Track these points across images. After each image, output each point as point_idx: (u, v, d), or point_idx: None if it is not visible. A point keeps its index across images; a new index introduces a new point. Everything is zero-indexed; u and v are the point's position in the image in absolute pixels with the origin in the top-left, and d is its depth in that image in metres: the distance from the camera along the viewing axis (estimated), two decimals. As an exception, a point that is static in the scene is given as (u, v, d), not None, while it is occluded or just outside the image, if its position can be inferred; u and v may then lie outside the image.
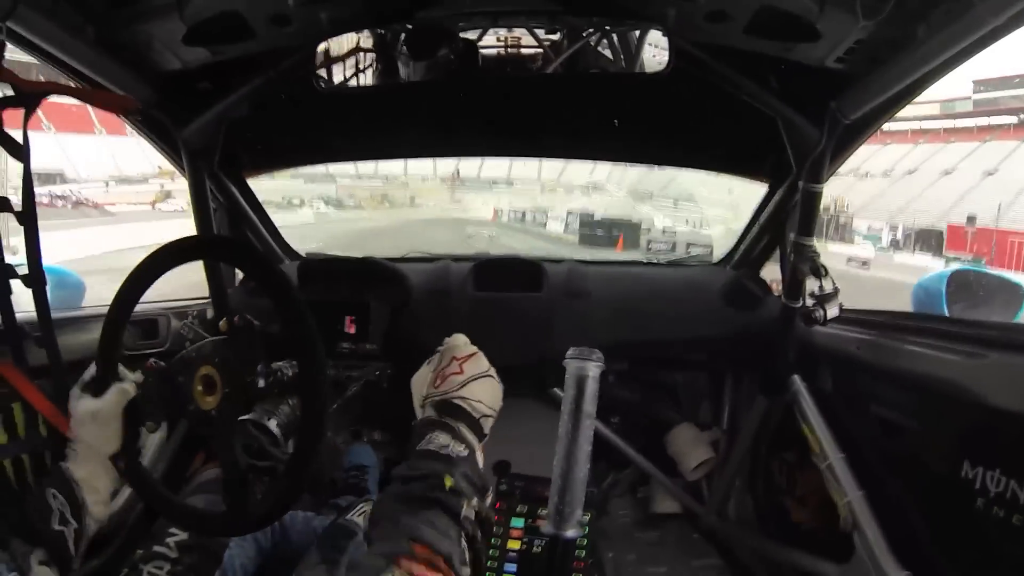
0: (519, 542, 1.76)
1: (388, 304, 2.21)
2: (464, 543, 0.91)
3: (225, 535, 1.34)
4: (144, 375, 1.17)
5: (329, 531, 1.46)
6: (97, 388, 1.13)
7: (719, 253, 2.61)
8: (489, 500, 1.02)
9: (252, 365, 1.09)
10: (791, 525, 2.08)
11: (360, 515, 1.50)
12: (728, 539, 2.31)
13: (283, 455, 1.13)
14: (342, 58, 1.58)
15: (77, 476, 1.06)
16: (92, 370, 1.16)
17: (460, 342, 1.18)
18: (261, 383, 1.10)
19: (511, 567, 1.76)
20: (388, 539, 0.85)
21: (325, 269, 2.50)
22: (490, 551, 1.75)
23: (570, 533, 1.47)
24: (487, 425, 1.10)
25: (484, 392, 1.10)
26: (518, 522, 1.78)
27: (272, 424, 1.19)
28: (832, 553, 1.70)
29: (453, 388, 1.08)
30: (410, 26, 1.53)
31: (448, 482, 0.94)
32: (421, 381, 1.14)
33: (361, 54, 1.59)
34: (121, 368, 1.17)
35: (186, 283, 1.96)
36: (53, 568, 0.98)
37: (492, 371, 1.14)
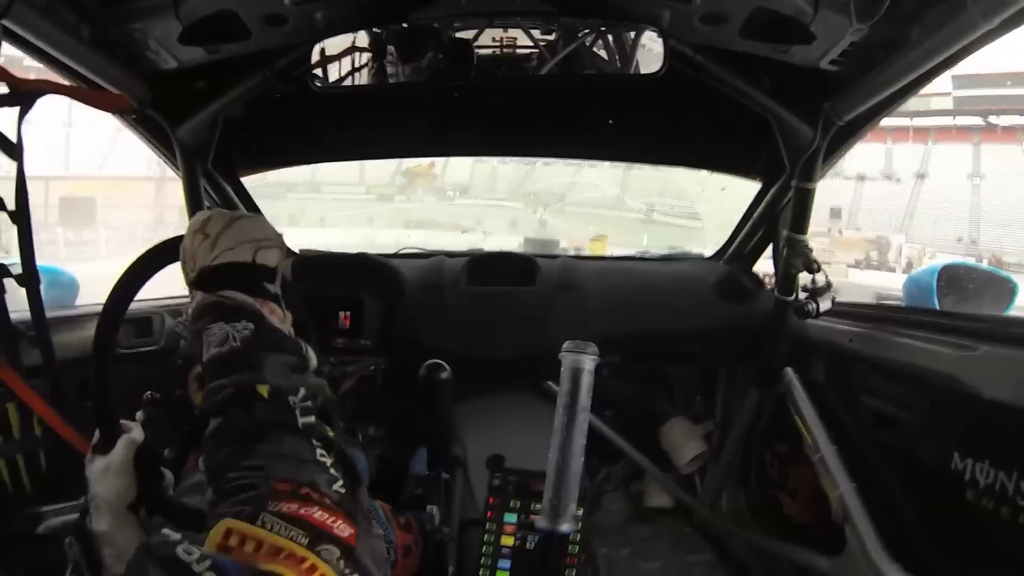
0: (512, 538, 1.76)
1: (382, 299, 2.21)
2: (323, 454, 0.76)
3: None
4: (144, 412, 1.13)
5: None
6: (105, 447, 1.07)
7: (712, 248, 2.62)
8: (316, 379, 0.86)
9: None
10: (784, 518, 2.10)
11: None
12: (721, 533, 2.33)
13: None
14: (337, 58, 1.58)
15: (98, 530, 1.01)
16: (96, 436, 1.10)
17: (195, 219, 1.00)
18: None
19: (505, 563, 1.75)
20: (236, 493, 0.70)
21: (319, 265, 2.50)
22: (483, 548, 1.75)
23: (565, 528, 1.48)
24: (263, 256, 0.95)
25: (234, 236, 0.95)
26: (511, 517, 1.77)
27: None
28: (824, 546, 1.71)
29: (208, 258, 0.93)
30: (405, 26, 1.53)
31: (261, 389, 0.78)
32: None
33: (356, 54, 1.59)
34: (124, 422, 1.11)
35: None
36: None
37: (235, 214, 0.99)
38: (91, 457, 1.08)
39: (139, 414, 1.14)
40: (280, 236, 1.01)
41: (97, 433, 1.09)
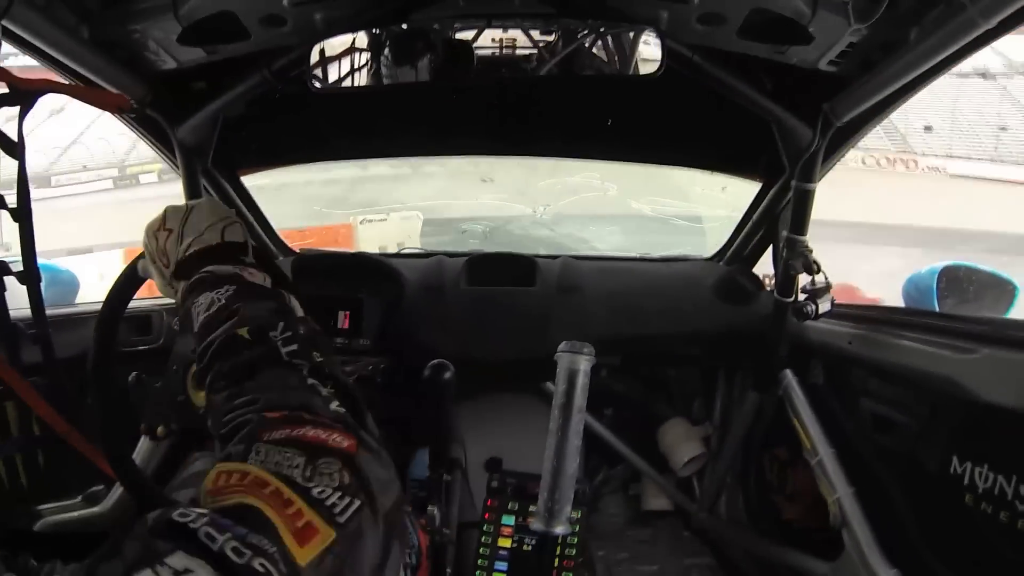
0: (510, 540, 1.76)
1: (381, 299, 2.21)
2: (313, 379, 0.77)
3: None
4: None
5: None
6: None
7: (712, 249, 2.62)
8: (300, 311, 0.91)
9: None
10: (782, 522, 2.09)
11: None
12: (719, 537, 2.32)
13: None
14: (336, 58, 1.59)
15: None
16: None
17: (151, 222, 1.03)
18: None
19: (502, 565, 1.76)
20: (233, 435, 0.70)
21: (319, 264, 2.50)
22: (481, 550, 1.75)
23: (559, 530, 1.49)
24: (231, 233, 0.98)
25: (197, 224, 0.98)
26: (509, 520, 1.78)
27: None
28: (822, 550, 1.71)
29: (179, 251, 0.97)
30: (404, 27, 1.53)
31: (242, 332, 0.80)
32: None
33: (355, 54, 1.59)
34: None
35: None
36: None
37: (189, 204, 1.02)
38: None
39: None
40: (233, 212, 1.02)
41: None
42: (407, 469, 2.31)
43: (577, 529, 1.73)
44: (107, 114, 1.71)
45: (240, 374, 0.76)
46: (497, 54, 1.58)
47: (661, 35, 1.50)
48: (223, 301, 0.85)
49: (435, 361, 1.70)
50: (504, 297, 2.32)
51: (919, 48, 1.29)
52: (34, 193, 1.33)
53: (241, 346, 0.79)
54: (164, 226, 0.99)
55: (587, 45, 1.59)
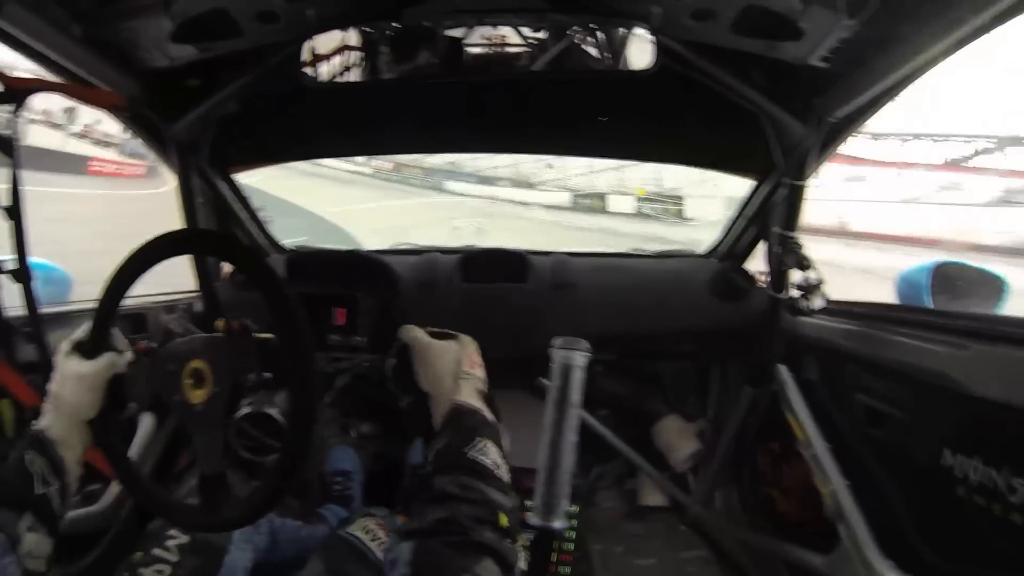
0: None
1: (376, 296, 2.22)
2: None
3: (206, 530, 1.31)
4: (135, 355, 1.14)
5: (332, 542, 1.44)
6: (89, 350, 1.07)
7: (705, 245, 2.63)
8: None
9: (245, 372, 1.09)
10: (777, 516, 2.10)
11: (362, 530, 1.48)
12: (714, 531, 2.33)
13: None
14: (329, 55, 1.59)
15: (52, 435, 1.02)
16: (85, 329, 1.10)
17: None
18: (252, 377, 1.10)
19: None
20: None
21: (312, 262, 2.50)
22: None
23: (556, 524, 1.49)
24: None
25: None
26: (505, 514, 1.78)
27: (274, 412, 1.21)
28: (817, 543, 1.72)
29: (483, 379, 1.05)
30: (397, 24, 1.53)
31: (503, 520, 0.85)
32: (448, 348, 1.09)
33: (348, 51, 1.59)
34: (118, 336, 1.12)
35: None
36: (42, 532, 0.96)
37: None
38: (68, 350, 1.08)
39: (128, 353, 1.13)
40: None
41: (85, 326, 1.09)
42: (405, 457, 2.32)
43: (574, 523, 1.73)
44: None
45: (481, 546, 0.81)
46: (489, 51, 1.59)
47: (654, 31, 1.50)
48: (503, 478, 0.92)
49: None
50: (497, 294, 2.32)
51: (910, 43, 1.30)
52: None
53: (495, 524, 0.85)
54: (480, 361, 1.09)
55: (579, 42, 1.59)
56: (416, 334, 1.12)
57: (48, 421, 1.04)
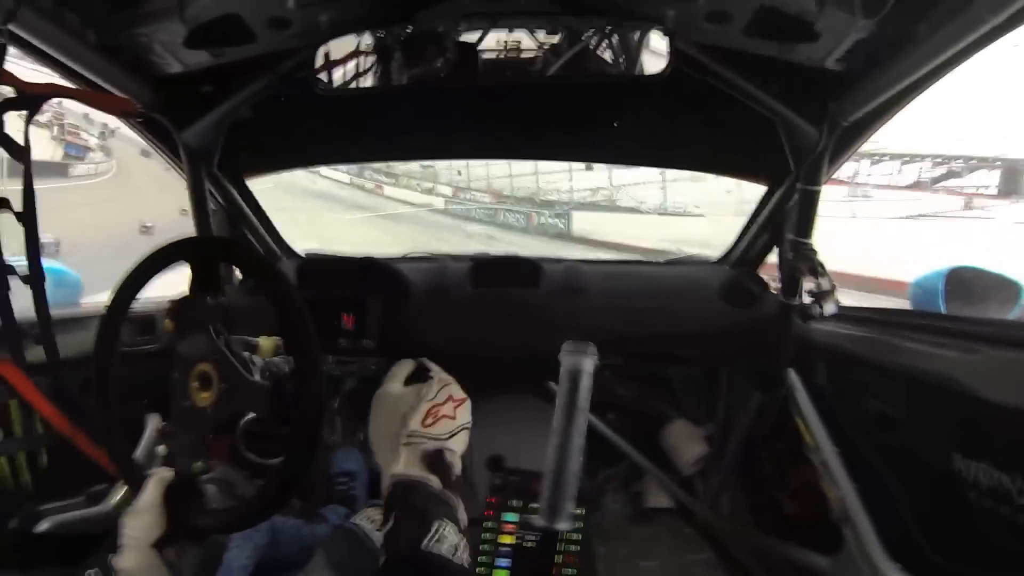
0: (512, 536, 1.78)
1: (387, 302, 2.22)
2: None
3: (211, 531, 1.32)
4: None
5: (337, 534, 1.44)
6: (133, 489, 1.08)
7: (718, 252, 2.62)
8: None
9: (246, 364, 1.10)
10: (784, 519, 2.09)
11: (366, 519, 1.48)
12: (721, 534, 2.32)
13: None
14: (342, 61, 1.59)
15: (120, 567, 1.01)
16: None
17: (453, 380, 1.09)
18: (256, 377, 1.10)
19: (504, 562, 1.77)
20: None
21: (324, 268, 2.51)
22: (483, 546, 1.76)
23: (562, 526, 1.49)
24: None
25: (462, 446, 1.03)
26: (511, 516, 1.79)
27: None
28: (824, 547, 1.70)
29: (444, 435, 1.00)
30: (410, 28, 1.54)
31: None
32: (399, 402, 1.05)
33: (361, 57, 1.60)
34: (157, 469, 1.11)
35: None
36: None
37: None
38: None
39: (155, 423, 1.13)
40: None
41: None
42: None
43: (579, 526, 1.73)
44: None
45: None
46: (502, 56, 1.59)
47: (668, 34, 1.49)
48: (463, 563, 0.90)
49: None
50: (508, 299, 2.32)
51: (926, 44, 1.28)
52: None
53: None
54: (459, 402, 1.06)
55: (592, 46, 1.58)
56: (385, 384, 1.10)
57: (119, 555, 1.03)
